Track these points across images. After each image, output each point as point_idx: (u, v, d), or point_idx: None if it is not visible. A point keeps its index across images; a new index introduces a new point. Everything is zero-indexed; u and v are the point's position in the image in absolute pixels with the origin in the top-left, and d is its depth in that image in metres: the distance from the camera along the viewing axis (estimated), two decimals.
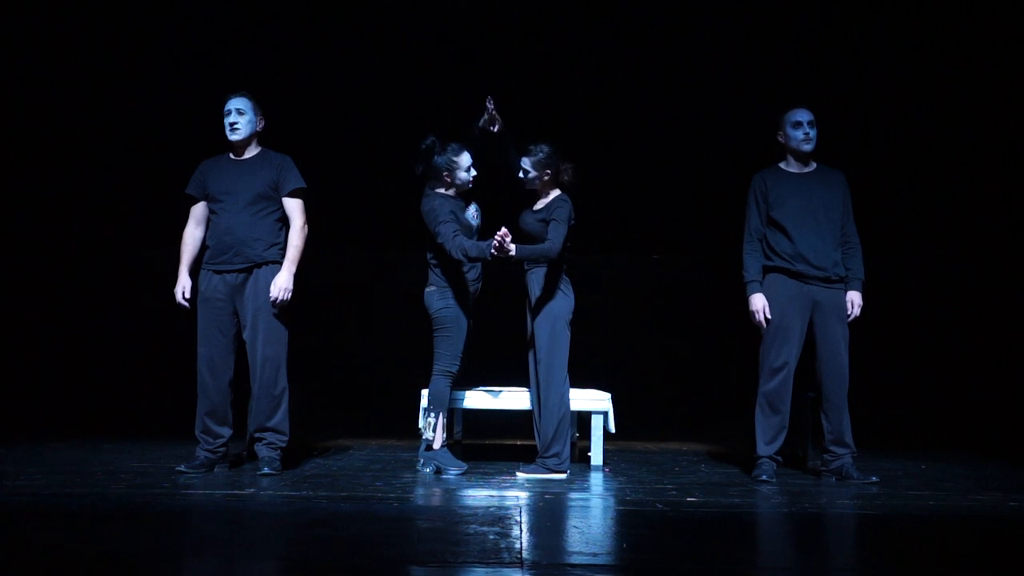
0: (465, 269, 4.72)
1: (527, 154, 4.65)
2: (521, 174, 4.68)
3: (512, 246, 4.34)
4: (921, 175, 7.84)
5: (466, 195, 4.82)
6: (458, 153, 4.68)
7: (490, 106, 4.61)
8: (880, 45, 7.42)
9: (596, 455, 5.12)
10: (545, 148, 4.64)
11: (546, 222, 4.60)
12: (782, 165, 4.75)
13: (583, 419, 5.32)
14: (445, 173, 4.69)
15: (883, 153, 7.79)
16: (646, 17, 7.42)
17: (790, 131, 4.67)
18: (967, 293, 7.89)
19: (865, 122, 7.65)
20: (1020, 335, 7.48)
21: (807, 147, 4.65)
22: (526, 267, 4.67)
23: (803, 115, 4.65)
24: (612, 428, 5.17)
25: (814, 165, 4.73)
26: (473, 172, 4.73)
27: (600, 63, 7.76)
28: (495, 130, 4.66)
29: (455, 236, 4.48)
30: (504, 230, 4.30)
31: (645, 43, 7.60)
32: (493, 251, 4.31)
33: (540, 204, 4.71)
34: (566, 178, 4.71)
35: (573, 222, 4.64)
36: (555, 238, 4.53)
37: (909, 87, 7.57)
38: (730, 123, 7.62)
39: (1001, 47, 7.11)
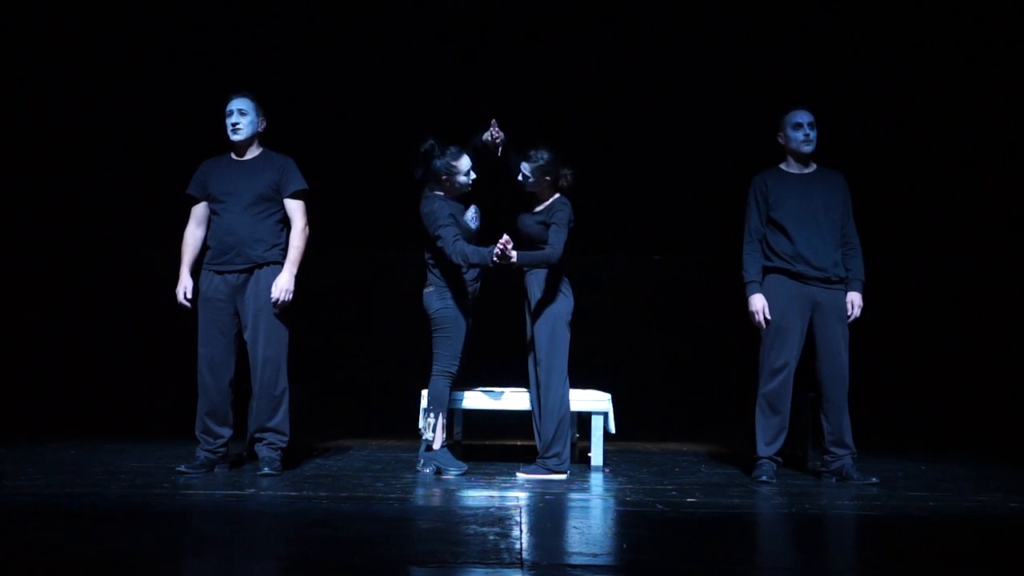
0: (464, 270, 4.72)
1: (527, 160, 4.63)
2: (520, 178, 4.67)
3: (513, 253, 4.34)
4: (921, 175, 7.84)
5: (465, 197, 4.82)
6: (457, 157, 4.67)
7: (495, 132, 4.60)
8: (880, 45, 7.42)
9: (596, 456, 5.12)
10: (545, 155, 4.62)
11: (546, 225, 4.60)
12: (782, 166, 4.76)
13: (583, 420, 5.32)
14: (444, 177, 4.68)
15: (883, 153, 7.79)
16: (646, 17, 7.42)
17: (790, 132, 4.67)
18: (967, 293, 7.89)
19: (865, 122, 7.66)
20: (1020, 335, 7.48)
21: (807, 148, 4.65)
22: (525, 268, 4.67)
23: (803, 116, 4.65)
24: (612, 429, 5.17)
25: (814, 166, 4.73)
26: (472, 175, 4.72)
27: (600, 63, 7.76)
28: (498, 154, 4.67)
29: (456, 241, 4.47)
30: (506, 237, 4.30)
31: (645, 43, 7.60)
32: (495, 259, 4.31)
33: (540, 207, 4.71)
34: (565, 183, 4.71)
35: (573, 224, 4.64)
36: (556, 243, 4.53)
37: (909, 87, 7.57)
38: (730, 123, 7.62)
39: (1001, 47, 7.11)
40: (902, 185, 7.87)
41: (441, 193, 4.71)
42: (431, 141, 4.69)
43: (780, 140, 4.72)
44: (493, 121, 4.60)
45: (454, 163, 4.65)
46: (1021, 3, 6.76)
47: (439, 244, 4.55)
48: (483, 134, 4.64)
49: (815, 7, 7.27)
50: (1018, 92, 7.15)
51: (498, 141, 4.61)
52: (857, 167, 5.39)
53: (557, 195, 4.69)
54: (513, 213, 4.79)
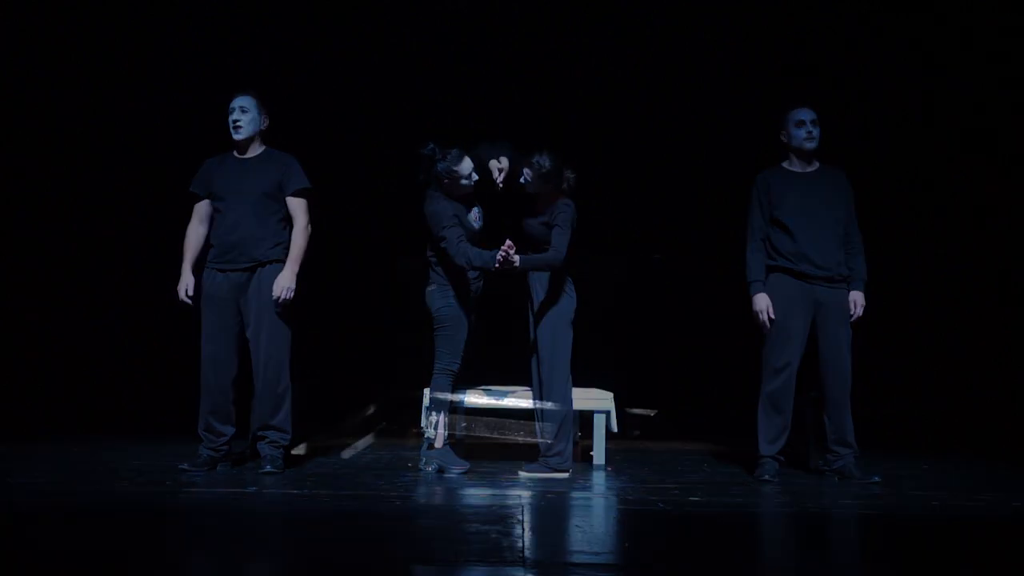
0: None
1: (528, 166, 4.62)
2: (522, 180, 4.67)
3: (516, 257, 4.34)
4: (921, 175, 7.84)
5: (468, 197, 4.81)
6: (458, 161, 4.65)
7: (499, 181, 4.62)
8: (880, 45, 7.42)
9: (598, 454, 5.12)
10: (547, 162, 4.59)
11: (549, 226, 4.60)
12: (785, 164, 4.76)
13: (585, 418, 5.32)
14: (446, 180, 4.67)
15: (883, 153, 7.79)
16: (646, 17, 7.42)
17: (793, 130, 4.67)
18: (967, 293, 7.89)
19: (865, 122, 7.66)
20: (1021, 335, 7.48)
21: (810, 145, 4.65)
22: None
23: (806, 114, 4.66)
24: (614, 427, 5.17)
25: (816, 164, 4.74)
26: (475, 177, 4.71)
27: (600, 63, 7.75)
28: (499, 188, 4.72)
29: (460, 242, 4.48)
30: (509, 242, 4.30)
31: (645, 43, 7.59)
32: (498, 263, 4.32)
33: (543, 210, 4.70)
34: (567, 187, 4.70)
35: (575, 225, 4.64)
36: (559, 245, 4.52)
37: (909, 87, 7.57)
38: (730, 123, 7.62)
39: (1001, 47, 7.12)
40: (902, 185, 7.87)
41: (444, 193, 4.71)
42: (431, 145, 4.68)
43: (783, 138, 4.72)
44: (503, 166, 4.62)
45: (455, 167, 4.64)
46: (1021, 3, 6.76)
47: (443, 245, 4.55)
48: (492, 154, 4.66)
49: (815, 7, 7.27)
50: (1018, 92, 7.16)
51: (499, 182, 4.65)
52: (859, 166, 5.38)
53: (560, 197, 4.69)
54: (517, 214, 4.79)
